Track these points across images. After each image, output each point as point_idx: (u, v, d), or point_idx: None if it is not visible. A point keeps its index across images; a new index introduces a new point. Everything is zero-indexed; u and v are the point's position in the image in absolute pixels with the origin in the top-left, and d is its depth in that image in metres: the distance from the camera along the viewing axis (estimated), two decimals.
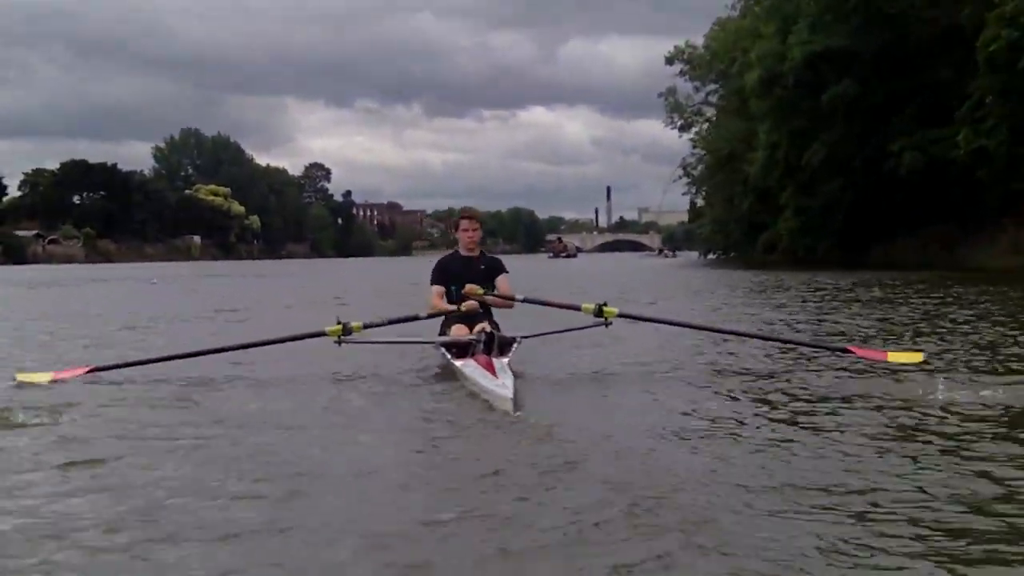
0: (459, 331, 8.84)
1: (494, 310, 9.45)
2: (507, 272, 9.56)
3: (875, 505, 4.23)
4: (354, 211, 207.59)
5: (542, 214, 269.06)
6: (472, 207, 10.40)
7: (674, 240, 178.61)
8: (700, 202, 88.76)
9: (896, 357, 8.63)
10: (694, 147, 79.52)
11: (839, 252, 49.45)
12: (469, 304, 8.95)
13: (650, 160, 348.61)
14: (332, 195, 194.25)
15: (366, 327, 8.75)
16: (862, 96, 46.32)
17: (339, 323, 8.58)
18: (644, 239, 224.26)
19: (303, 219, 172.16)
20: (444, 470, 5.26)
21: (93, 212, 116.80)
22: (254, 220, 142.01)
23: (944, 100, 42.51)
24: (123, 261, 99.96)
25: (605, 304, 8.86)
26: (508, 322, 9.48)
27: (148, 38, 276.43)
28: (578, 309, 9.03)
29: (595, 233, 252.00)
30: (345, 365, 9.13)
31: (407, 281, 30.40)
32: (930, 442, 5.50)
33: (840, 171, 48.72)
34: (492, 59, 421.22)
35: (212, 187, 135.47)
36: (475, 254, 9.60)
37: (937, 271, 33.49)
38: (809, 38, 47.33)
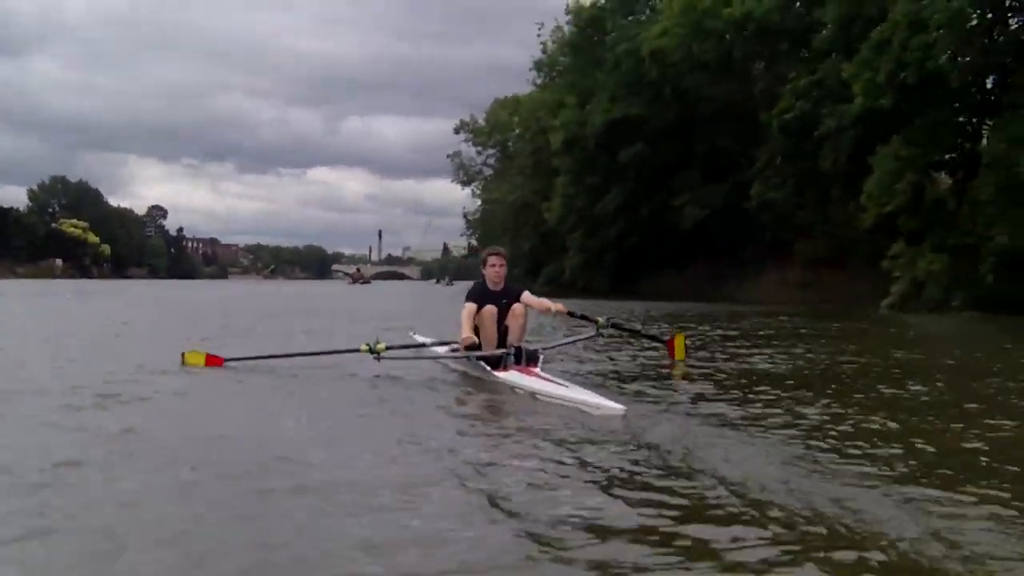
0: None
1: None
2: (527, 290, 7.15)
3: None
4: (184, 243, 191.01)
5: (328, 249, 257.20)
6: (498, 246, 7.63)
7: (432, 273, 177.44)
8: (474, 242, 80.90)
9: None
10: (482, 197, 71.62)
11: (613, 285, 42.37)
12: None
13: (410, 212, 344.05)
14: (168, 230, 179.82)
15: (388, 348, 6.75)
16: (652, 157, 39.98)
17: (369, 344, 6.69)
18: (407, 271, 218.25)
19: (144, 248, 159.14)
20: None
21: None
22: (105, 248, 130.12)
23: (722, 161, 37.33)
24: None
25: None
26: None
27: (25, 106, 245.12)
28: (595, 322, 7.33)
29: (370, 265, 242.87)
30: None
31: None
32: None
33: (625, 218, 42.25)
34: (288, 130, 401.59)
35: (73, 221, 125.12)
36: (499, 288, 7.01)
37: (709, 302, 29.23)
38: (608, 107, 40.67)
